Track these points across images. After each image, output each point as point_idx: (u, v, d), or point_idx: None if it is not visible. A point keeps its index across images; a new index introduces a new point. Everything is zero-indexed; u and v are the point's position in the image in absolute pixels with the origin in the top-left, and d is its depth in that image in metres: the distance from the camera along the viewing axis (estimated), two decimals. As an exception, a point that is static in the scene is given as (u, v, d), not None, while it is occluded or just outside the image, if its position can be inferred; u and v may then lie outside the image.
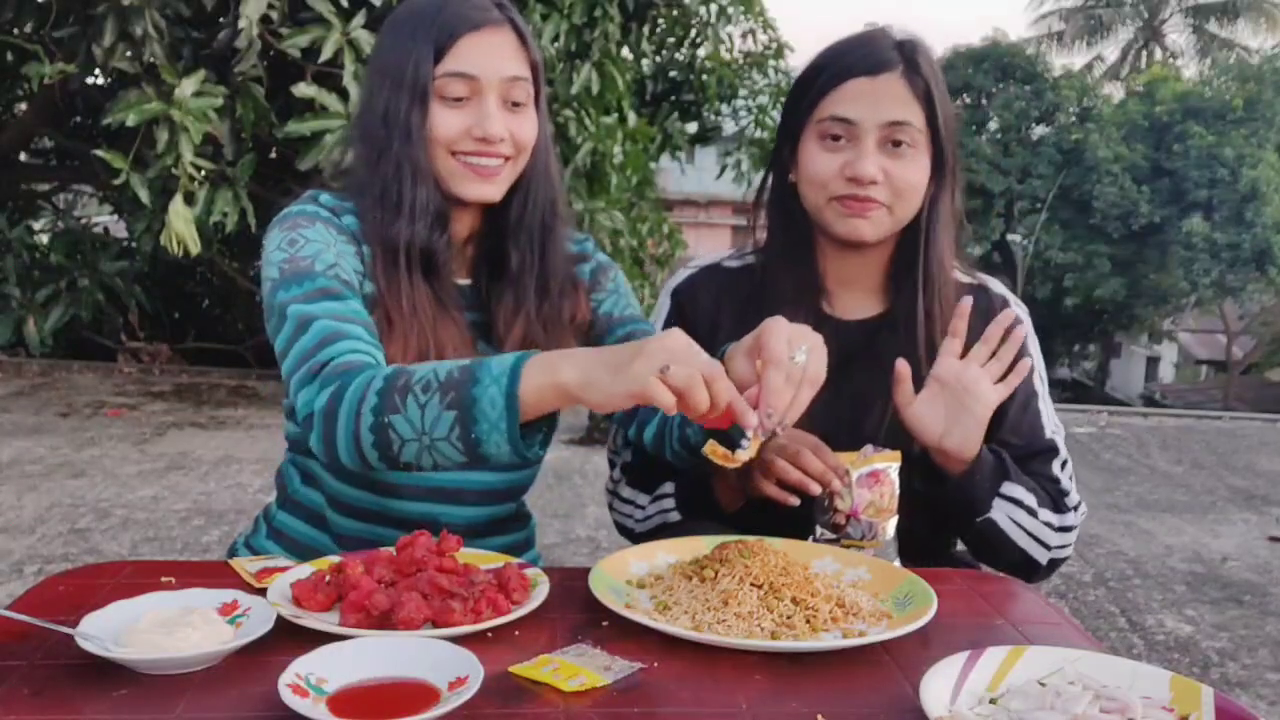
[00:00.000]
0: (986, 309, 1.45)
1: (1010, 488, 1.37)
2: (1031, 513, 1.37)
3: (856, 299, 1.48)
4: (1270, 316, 20.77)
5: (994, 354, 1.33)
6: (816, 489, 1.27)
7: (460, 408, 1.04)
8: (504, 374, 1.04)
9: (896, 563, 1.27)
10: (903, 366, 1.33)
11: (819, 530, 1.31)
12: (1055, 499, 1.41)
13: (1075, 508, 1.42)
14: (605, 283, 1.47)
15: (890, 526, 1.30)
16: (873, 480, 1.28)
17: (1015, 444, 1.43)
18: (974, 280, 1.51)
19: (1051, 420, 1.47)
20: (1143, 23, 26.96)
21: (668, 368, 0.98)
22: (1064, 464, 1.45)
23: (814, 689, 0.92)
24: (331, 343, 1.16)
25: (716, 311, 1.48)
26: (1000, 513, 1.36)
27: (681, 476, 1.43)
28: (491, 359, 1.07)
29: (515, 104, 1.32)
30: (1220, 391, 21.38)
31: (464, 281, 1.39)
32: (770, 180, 1.49)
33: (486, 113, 1.29)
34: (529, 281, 1.37)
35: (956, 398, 1.31)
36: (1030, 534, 1.37)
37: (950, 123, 1.40)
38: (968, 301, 1.33)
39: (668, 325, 1.49)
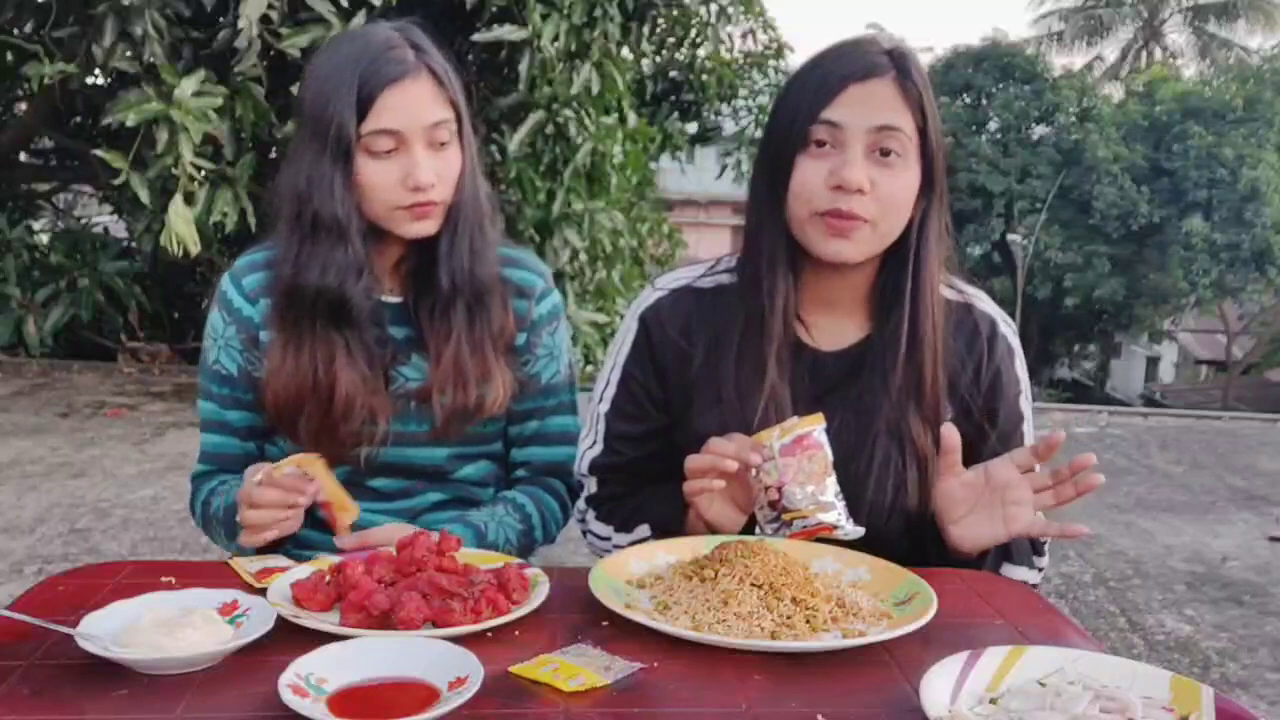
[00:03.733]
0: (972, 328, 1.40)
1: (1010, 570, 1.33)
2: (1024, 582, 1.34)
3: (837, 323, 1.39)
4: (1270, 316, 20.77)
5: (1053, 487, 1.25)
6: (732, 465, 1.20)
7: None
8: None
9: (849, 522, 1.23)
10: (952, 436, 1.26)
11: (759, 514, 1.26)
12: (1035, 543, 1.37)
13: (1045, 545, 1.40)
14: (541, 340, 1.51)
15: (829, 486, 1.24)
16: (797, 447, 1.22)
17: None
18: (960, 297, 1.42)
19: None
20: (1143, 23, 26.97)
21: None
22: None
23: (814, 689, 0.92)
24: (199, 461, 1.53)
25: (686, 339, 1.40)
26: None
27: (654, 516, 1.38)
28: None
29: (441, 144, 1.37)
30: (1220, 391, 21.37)
31: (395, 299, 1.45)
32: (751, 195, 1.39)
33: (415, 162, 1.34)
34: (460, 304, 1.43)
35: (991, 503, 1.26)
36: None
37: (940, 138, 1.31)
38: (1060, 435, 1.23)
39: (634, 350, 1.43)
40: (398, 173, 1.34)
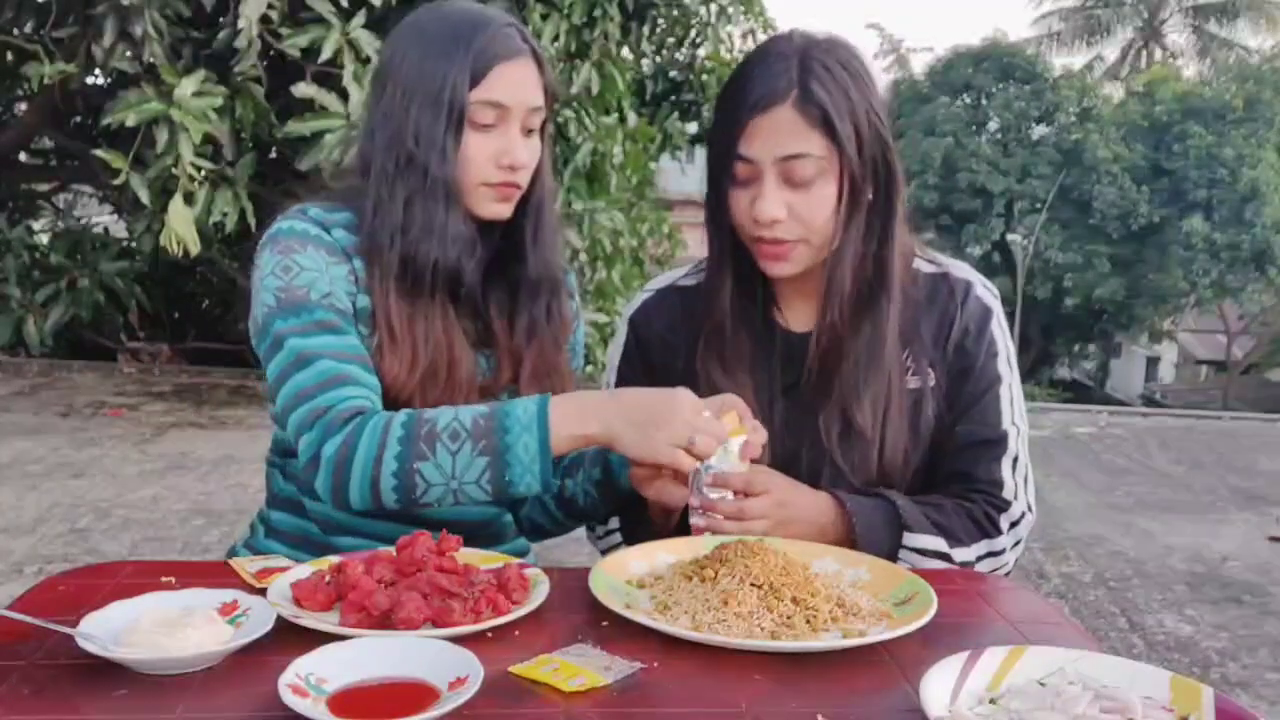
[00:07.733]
0: (946, 293, 1.41)
1: (914, 539, 1.31)
2: (945, 558, 1.31)
3: (808, 305, 1.42)
4: (1270, 316, 20.78)
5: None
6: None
7: (493, 454, 1.17)
8: (533, 422, 1.17)
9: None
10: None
11: (695, 496, 1.26)
12: (984, 523, 1.35)
13: (1015, 522, 1.36)
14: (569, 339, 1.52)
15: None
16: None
17: (965, 430, 1.38)
18: (937, 269, 1.44)
19: (1013, 412, 1.40)
20: (1142, 23, 26.97)
21: (694, 440, 1.14)
22: (1014, 461, 1.38)
23: (814, 689, 0.92)
24: (333, 387, 1.22)
25: (672, 334, 1.45)
26: (910, 558, 1.31)
27: (622, 510, 1.42)
28: (514, 405, 1.18)
29: (530, 131, 1.35)
30: (1220, 391, 21.38)
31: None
32: (705, 205, 1.42)
33: (513, 141, 1.32)
34: (542, 298, 1.41)
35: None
36: (950, 566, 1.32)
37: (865, 133, 1.30)
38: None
39: (625, 353, 1.49)
40: (494, 148, 1.31)
